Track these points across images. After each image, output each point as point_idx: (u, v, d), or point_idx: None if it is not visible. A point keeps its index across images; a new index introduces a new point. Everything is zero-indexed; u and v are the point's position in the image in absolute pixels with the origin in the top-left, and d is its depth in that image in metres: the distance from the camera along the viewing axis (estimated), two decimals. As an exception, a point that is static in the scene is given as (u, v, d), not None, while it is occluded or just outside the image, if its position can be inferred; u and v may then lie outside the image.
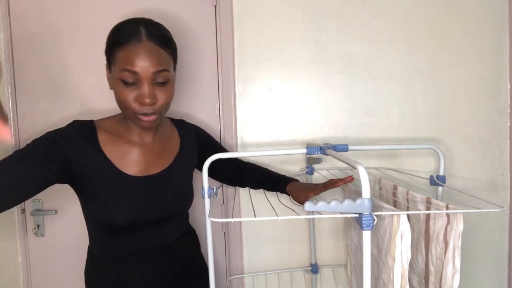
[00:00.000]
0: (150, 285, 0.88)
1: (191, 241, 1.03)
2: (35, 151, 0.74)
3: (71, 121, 0.86)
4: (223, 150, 1.09)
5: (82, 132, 0.82)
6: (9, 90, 1.23)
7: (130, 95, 0.77)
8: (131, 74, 0.75)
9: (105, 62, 0.83)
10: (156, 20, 0.84)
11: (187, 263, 0.98)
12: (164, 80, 0.79)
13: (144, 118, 0.79)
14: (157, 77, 0.78)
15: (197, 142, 1.03)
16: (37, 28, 1.22)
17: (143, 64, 0.75)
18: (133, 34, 0.77)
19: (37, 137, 0.78)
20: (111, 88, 0.82)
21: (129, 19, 0.81)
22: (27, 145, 0.76)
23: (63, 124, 0.84)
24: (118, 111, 0.89)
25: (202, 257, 1.07)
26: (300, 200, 0.90)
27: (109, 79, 0.83)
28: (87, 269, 0.91)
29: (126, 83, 0.76)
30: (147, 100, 0.76)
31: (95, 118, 0.90)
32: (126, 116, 0.83)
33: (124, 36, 0.76)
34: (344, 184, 0.86)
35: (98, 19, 1.23)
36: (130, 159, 0.85)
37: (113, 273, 0.86)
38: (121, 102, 0.79)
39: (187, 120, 1.07)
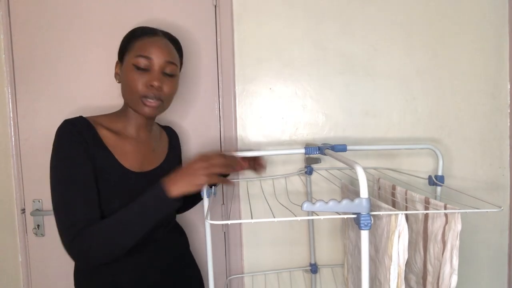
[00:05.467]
0: (142, 279, 0.87)
1: (179, 237, 1.03)
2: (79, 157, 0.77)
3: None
4: None
5: (84, 128, 0.81)
6: (9, 90, 1.23)
7: (140, 79, 0.83)
8: (145, 60, 0.83)
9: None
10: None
11: (177, 258, 0.98)
12: (172, 73, 0.88)
13: (148, 103, 0.84)
14: (167, 67, 0.86)
15: (179, 149, 1.13)
16: (37, 28, 1.22)
17: (157, 52, 0.84)
18: (149, 30, 0.89)
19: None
20: (119, 82, 0.89)
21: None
22: (64, 156, 0.76)
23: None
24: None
25: (190, 253, 1.07)
26: None
27: (117, 74, 0.90)
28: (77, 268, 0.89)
29: (138, 68, 0.83)
30: (156, 83, 0.83)
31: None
32: (130, 103, 0.86)
33: (141, 31, 0.88)
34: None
35: (98, 19, 1.24)
36: (130, 155, 0.87)
37: (105, 270, 0.83)
38: (129, 86, 0.84)
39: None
